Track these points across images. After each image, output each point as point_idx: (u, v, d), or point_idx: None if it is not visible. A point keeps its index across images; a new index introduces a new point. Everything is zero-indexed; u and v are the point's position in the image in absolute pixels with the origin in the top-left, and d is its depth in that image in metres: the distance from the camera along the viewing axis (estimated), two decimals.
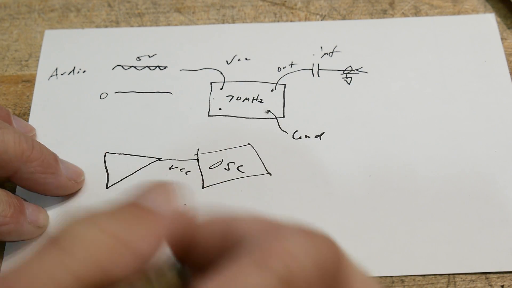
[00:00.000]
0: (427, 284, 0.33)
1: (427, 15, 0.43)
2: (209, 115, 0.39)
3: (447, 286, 0.33)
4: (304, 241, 0.18)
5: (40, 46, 0.42)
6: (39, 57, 0.42)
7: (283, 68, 0.41)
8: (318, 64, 0.41)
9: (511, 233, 0.34)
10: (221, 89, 0.40)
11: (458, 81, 0.40)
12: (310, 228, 0.19)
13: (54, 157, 0.34)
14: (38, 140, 0.37)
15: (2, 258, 0.34)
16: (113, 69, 0.41)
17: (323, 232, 0.19)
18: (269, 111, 0.39)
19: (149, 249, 0.18)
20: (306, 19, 0.44)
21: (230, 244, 0.19)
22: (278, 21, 0.43)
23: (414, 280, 0.33)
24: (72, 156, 0.36)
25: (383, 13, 0.44)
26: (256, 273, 0.16)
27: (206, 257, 0.19)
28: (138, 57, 0.42)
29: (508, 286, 0.33)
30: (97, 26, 0.43)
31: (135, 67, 0.41)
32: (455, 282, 0.33)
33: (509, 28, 0.43)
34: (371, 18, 0.43)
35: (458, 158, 0.37)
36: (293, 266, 0.17)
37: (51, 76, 0.41)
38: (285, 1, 0.44)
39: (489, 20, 0.43)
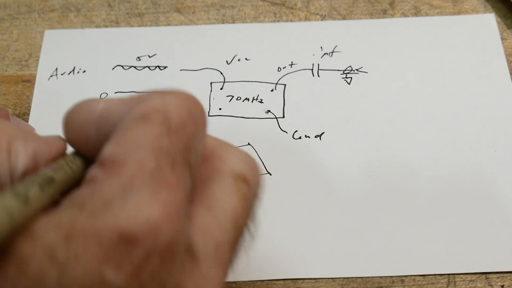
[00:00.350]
0: (427, 284, 0.33)
1: (427, 15, 0.43)
2: (209, 115, 0.39)
3: (447, 286, 0.33)
4: (167, 93, 0.21)
5: (40, 46, 0.42)
6: (39, 57, 0.42)
7: (283, 68, 0.41)
8: (318, 64, 0.41)
9: (511, 233, 0.34)
10: (221, 89, 0.40)
11: (458, 81, 0.40)
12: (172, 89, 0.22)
13: (5, 112, 0.34)
14: None
15: None
16: (113, 69, 0.41)
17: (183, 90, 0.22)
18: (269, 111, 0.39)
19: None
20: (306, 19, 0.44)
21: (108, 129, 0.21)
22: (278, 21, 0.43)
23: (414, 280, 0.33)
24: None
25: (383, 13, 0.44)
26: (141, 127, 0.20)
27: (96, 148, 0.21)
28: (138, 57, 0.42)
29: (508, 286, 0.33)
30: (97, 26, 0.43)
31: (135, 67, 0.41)
32: (455, 282, 0.33)
33: (509, 28, 0.43)
34: (371, 18, 0.43)
35: (458, 158, 0.37)
36: (168, 111, 0.20)
37: (51, 76, 0.41)
38: (285, 1, 0.44)
39: (489, 20, 0.43)
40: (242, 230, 0.22)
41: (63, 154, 0.23)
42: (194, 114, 0.21)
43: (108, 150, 0.20)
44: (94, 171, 0.20)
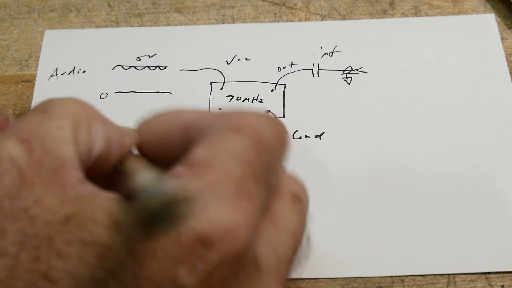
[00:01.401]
0: (427, 284, 0.33)
1: (427, 15, 0.43)
2: None
3: (447, 286, 0.33)
4: (262, 114, 0.22)
5: (40, 46, 0.42)
6: (39, 57, 0.42)
7: (283, 68, 0.41)
8: (318, 64, 0.41)
9: (511, 233, 0.34)
10: (221, 89, 0.40)
11: (458, 81, 0.40)
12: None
13: (5, 116, 0.34)
14: None
15: None
16: (113, 69, 0.41)
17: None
18: (269, 111, 0.39)
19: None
20: (306, 19, 0.44)
21: (195, 135, 0.22)
22: (278, 21, 0.43)
23: (414, 280, 0.33)
24: None
25: (383, 13, 0.44)
26: (233, 137, 0.21)
27: (176, 154, 0.22)
28: (138, 57, 0.42)
29: (508, 286, 0.33)
30: (97, 26, 0.43)
31: (135, 67, 0.41)
32: (455, 282, 0.33)
33: (509, 28, 0.43)
34: (371, 18, 0.43)
35: (458, 158, 0.37)
36: (260, 129, 0.21)
37: (51, 76, 0.41)
38: (285, 1, 0.44)
39: (489, 20, 0.43)
40: (299, 246, 0.23)
41: (130, 148, 0.24)
42: (282, 139, 0.22)
43: (199, 153, 0.20)
44: (181, 169, 0.20)
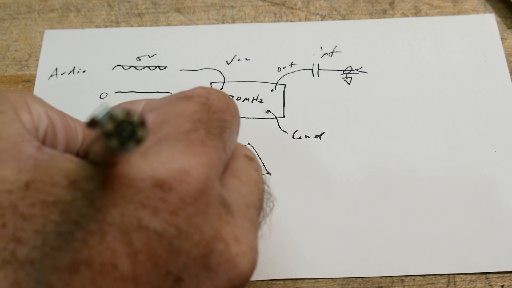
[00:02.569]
0: (427, 284, 0.33)
1: (427, 15, 0.43)
2: None
3: (447, 286, 0.33)
4: (208, 87, 0.24)
5: (40, 46, 0.42)
6: (39, 57, 0.42)
7: (283, 68, 0.41)
8: (318, 64, 0.41)
9: (511, 233, 0.34)
10: (221, 89, 0.40)
11: (458, 81, 0.40)
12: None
13: None
14: None
15: None
16: (113, 69, 0.41)
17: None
18: (269, 111, 0.39)
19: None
20: (306, 19, 0.44)
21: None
22: (278, 21, 0.43)
23: (414, 280, 0.33)
24: None
25: (383, 13, 0.44)
26: (183, 102, 0.23)
27: None
28: (138, 57, 0.42)
29: (508, 286, 0.33)
30: (97, 26, 0.43)
31: (135, 67, 0.41)
32: (455, 282, 0.33)
33: (509, 28, 0.43)
34: (371, 18, 0.43)
35: (458, 158, 0.37)
36: (208, 96, 0.23)
37: (51, 76, 0.41)
38: (285, 1, 0.44)
39: (489, 20, 0.43)
40: (262, 194, 0.25)
41: (80, 135, 0.26)
42: (231, 108, 0.24)
43: (149, 117, 0.22)
44: None
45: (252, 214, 0.23)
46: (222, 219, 0.21)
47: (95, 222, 0.19)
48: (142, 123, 0.16)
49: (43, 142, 0.23)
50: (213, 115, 0.23)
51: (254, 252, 0.22)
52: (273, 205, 0.27)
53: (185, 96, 0.23)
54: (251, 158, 0.26)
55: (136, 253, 0.19)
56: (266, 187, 0.26)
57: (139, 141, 0.16)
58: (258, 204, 0.25)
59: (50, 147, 0.23)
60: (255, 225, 0.24)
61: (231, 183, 0.23)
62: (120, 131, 0.16)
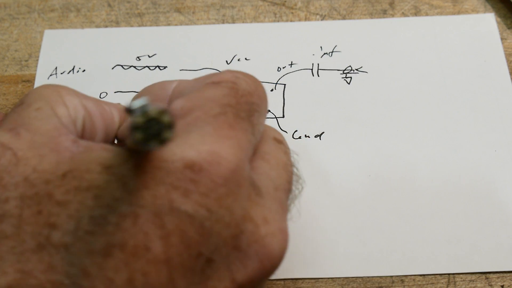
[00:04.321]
0: (427, 284, 0.33)
1: (427, 15, 0.43)
2: None
3: (447, 286, 0.33)
4: (236, 71, 0.24)
5: (40, 46, 0.42)
6: (39, 57, 0.42)
7: (283, 68, 0.41)
8: (318, 64, 0.41)
9: (511, 233, 0.34)
10: None
11: (458, 81, 0.40)
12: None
13: (3, 116, 0.35)
14: None
15: None
16: (112, 68, 0.41)
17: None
18: (269, 111, 0.39)
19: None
20: (306, 19, 0.44)
21: (176, 98, 0.24)
22: (278, 21, 0.43)
23: (414, 280, 0.33)
24: None
25: (383, 13, 0.44)
26: (211, 88, 0.23)
27: None
28: (138, 57, 0.42)
29: (508, 286, 0.33)
30: (97, 26, 0.43)
31: (135, 67, 0.41)
32: (455, 282, 0.33)
33: (509, 28, 0.43)
34: (371, 18, 0.43)
35: (458, 158, 0.37)
36: (236, 81, 0.23)
37: (50, 75, 0.41)
38: (285, 1, 0.44)
39: (489, 20, 0.43)
40: (291, 177, 0.25)
41: (119, 119, 0.26)
42: (259, 91, 0.24)
43: (179, 102, 0.23)
44: None
45: (281, 197, 0.24)
46: (251, 200, 0.21)
47: (127, 205, 0.19)
48: (170, 126, 0.16)
49: (83, 131, 0.24)
50: (241, 98, 0.23)
51: (283, 234, 0.22)
52: (302, 188, 0.27)
53: (213, 82, 0.23)
54: (279, 141, 0.26)
55: (168, 235, 0.19)
56: (295, 170, 0.26)
57: (162, 142, 0.16)
58: (287, 187, 0.25)
59: (90, 136, 0.25)
60: (284, 208, 0.24)
61: (260, 166, 0.24)
62: (148, 127, 0.16)
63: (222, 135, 0.21)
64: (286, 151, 0.26)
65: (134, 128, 0.16)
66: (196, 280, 0.20)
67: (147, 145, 0.16)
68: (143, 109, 0.16)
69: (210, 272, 0.20)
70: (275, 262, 0.22)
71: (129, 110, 0.18)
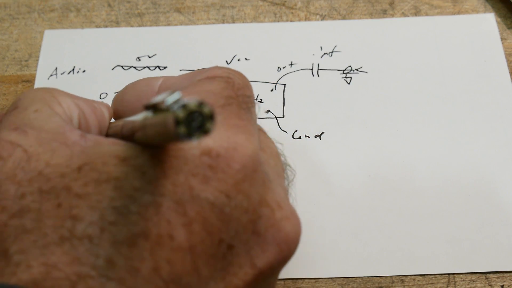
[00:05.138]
0: (427, 284, 0.33)
1: (427, 15, 0.43)
2: None
3: (447, 286, 0.33)
4: (226, 67, 0.25)
5: (40, 46, 0.42)
6: (39, 57, 0.42)
7: (283, 68, 0.41)
8: (318, 64, 0.41)
9: (511, 233, 0.34)
10: None
11: (458, 81, 0.40)
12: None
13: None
14: None
15: None
16: (113, 69, 0.41)
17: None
18: (268, 110, 0.39)
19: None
20: (306, 19, 0.44)
21: None
22: (278, 21, 0.43)
23: (414, 280, 0.33)
24: None
25: (383, 13, 0.44)
26: (210, 82, 0.23)
27: None
28: (138, 57, 0.42)
29: (508, 286, 0.33)
30: (97, 26, 0.43)
31: (135, 67, 0.41)
32: (455, 282, 0.33)
33: (509, 28, 0.43)
34: (371, 18, 0.43)
35: (458, 158, 0.37)
36: (230, 75, 0.24)
37: (50, 75, 0.41)
38: (285, 1, 0.44)
39: (489, 20, 0.43)
40: (283, 165, 0.26)
41: (109, 115, 0.27)
42: (249, 85, 0.25)
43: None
44: None
45: (282, 183, 0.24)
46: (266, 185, 0.22)
47: (148, 195, 0.19)
48: (211, 116, 0.16)
49: (79, 129, 0.24)
50: (238, 91, 0.23)
51: (295, 217, 0.23)
52: (294, 175, 0.28)
53: (208, 78, 0.24)
54: (265, 132, 0.27)
55: (190, 223, 0.19)
56: (283, 159, 0.27)
57: (206, 132, 0.16)
58: (284, 175, 0.25)
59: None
60: (287, 194, 0.24)
61: (260, 155, 0.24)
62: (190, 120, 0.16)
63: (233, 124, 0.21)
64: (272, 141, 0.27)
65: (176, 122, 0.16)
66: (219, 266, 0.20)
67: (191, 138, 0.16)
68: (182, 103, 0.16)
69: (231, 258, 0.20)
70: (292, 246, 0.22)
71: (156, 106, 0.18)
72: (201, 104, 0.16)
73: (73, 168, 0.20)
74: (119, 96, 0.28)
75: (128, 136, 0.22)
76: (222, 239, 0.20)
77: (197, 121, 0.16)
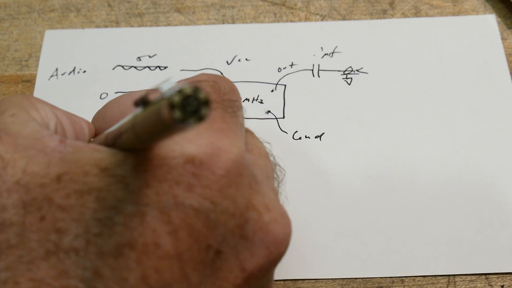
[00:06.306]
0: (427, 284, 0.33)
1: (427, 15, 0.43)
2: None
3: (447, 286, 0.33)
4: (211, 73, 0.25)
5: (40, 46, 0.42)
6: (39, 57, 0.42)
7: (283, 68, 0.41)
8: (319, 65, 0.41)
9: (511, 233, 0.34)
10: None
11: (458, 82, 0.40)
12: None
13: None
14: None
15: None
16: (113, 69, 0.41)
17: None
18: (269, 111, 0.39)
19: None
20: (306, 19, 0.44)
21: None
22: (278, 21, 0.43)
23: (414, 280, 0.33)
24: None
25: (383, 13, 0.44)
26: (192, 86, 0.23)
27: None
28: (139, 57, 0.42)
29: (508, 286, 0.33)
30: (97, 26, 0.43)
31: (135, 67, 0.41)
32: (455, 282, 0.33)
33: (509, 28, 0.43)
34: (371, 18, 0.43)
35: (458, 159, 0.37)
36: (215, 80, 0.24)
37: (51, 76, 0.41)
38: (285, 1, 0.44)
39: (490, 21, 0.43)
40: (274, 165, 0.26)
41: (90, 132, 0.27)
42: (233, 88, 0.24)
43: None
44: None
45: (271, 184, 0.24)
46: (252, 188, 0.22)
47: (132, 205, 0.19)
48: (207, 102, 0.16)
49: None
50: (224, 96, 0.23)
51: (285, 218, 0.22)
52: (284, 175, 0.27)
53: (193, 82, 0.24)
54: (252, 132, 0.27)
55: (176, 231, 0.19)
56: (272, 159, 0.27)
57: (201, 118, 0.16)
58: (273, 175, 0.25)
59: None
60: (277, 194, 0.24)
61: (248, 157, 0.24)
62: (186, 105, 0.16)
63: (217, 129, 0.21)
64: (261, 141, 0.27)
65: (171, 107, 0.16)
66: (208, 272, 0.20)
67: (186, 123, 0.16)
68: (177, 88, 0.16)
69: (220, 263, 0.20)
70: (281, 247, 0.22)
71: (144, 101, 0.17)
72: (196, 89, 0.16)
73: (52, 178, 0.20)
74: (101, 113, 0.28)
75: (112, 144, 0.22)
76: (210, 245, 0.20)
77: (192, 106, 0.16)
